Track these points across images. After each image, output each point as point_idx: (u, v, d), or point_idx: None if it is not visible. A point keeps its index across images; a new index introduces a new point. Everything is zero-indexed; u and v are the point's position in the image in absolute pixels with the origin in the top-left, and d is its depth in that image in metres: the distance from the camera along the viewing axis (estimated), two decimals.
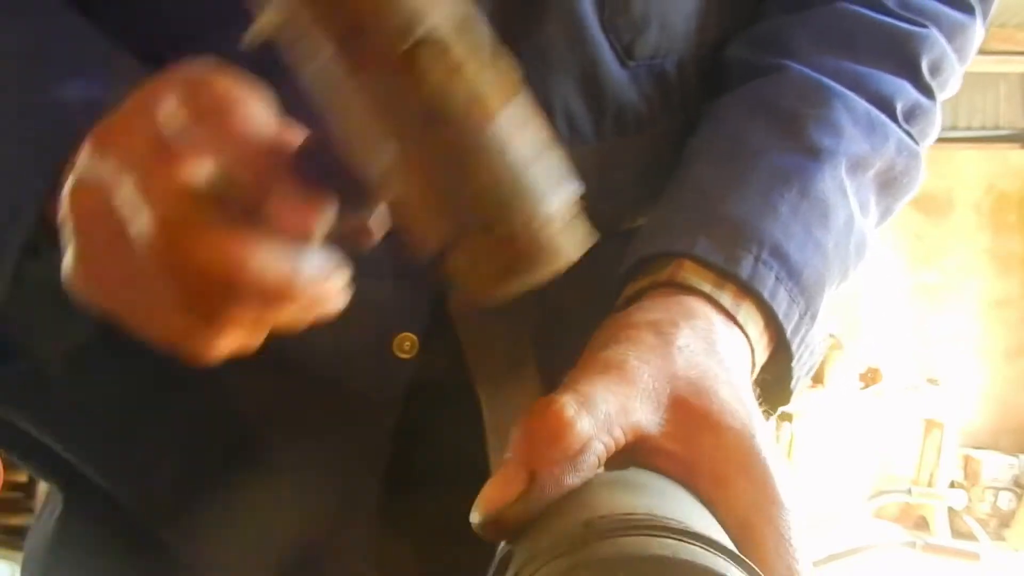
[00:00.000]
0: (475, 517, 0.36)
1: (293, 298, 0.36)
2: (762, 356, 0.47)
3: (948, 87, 0.59)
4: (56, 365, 0.51)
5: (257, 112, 0.36)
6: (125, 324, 0.39)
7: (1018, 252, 5.13)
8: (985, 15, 0.61)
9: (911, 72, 0.56)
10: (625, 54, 0.53)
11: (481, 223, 0.29)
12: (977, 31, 0.60)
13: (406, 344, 0.51)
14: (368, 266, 0.51)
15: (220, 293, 0.35)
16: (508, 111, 0.30)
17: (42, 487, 3.62)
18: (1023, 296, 5.15)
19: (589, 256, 0.56)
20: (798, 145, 0.51)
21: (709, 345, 0.42)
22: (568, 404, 0.37)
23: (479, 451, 0.47)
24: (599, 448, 0.37)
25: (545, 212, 0.30)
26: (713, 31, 0.59)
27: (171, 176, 0.35)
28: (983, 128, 5.08)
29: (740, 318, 0.45)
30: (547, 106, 0.51)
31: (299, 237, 0.35)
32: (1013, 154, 5.11)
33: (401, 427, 0.52)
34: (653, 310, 0.44)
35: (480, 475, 0.52)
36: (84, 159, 0.37)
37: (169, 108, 0.36)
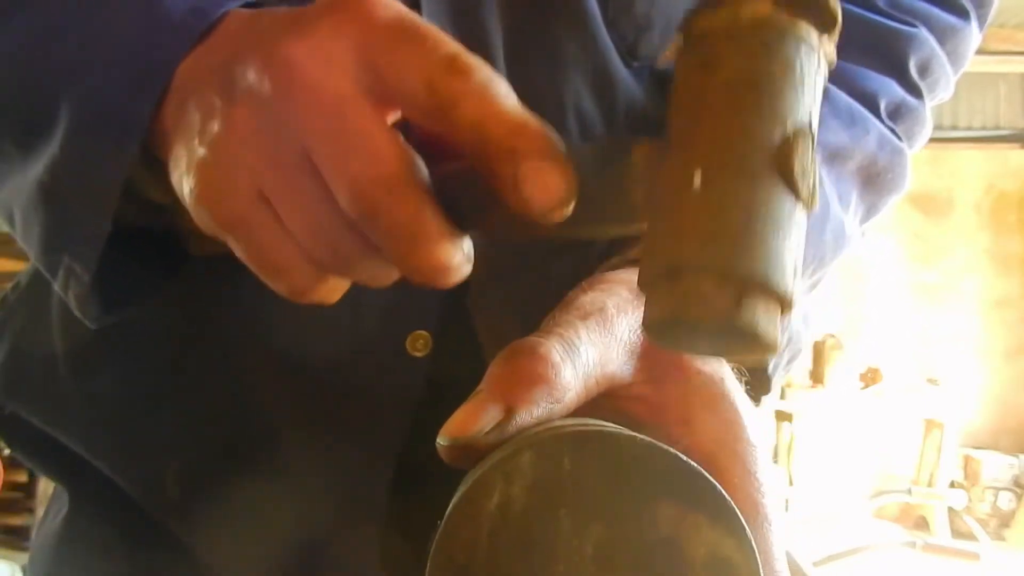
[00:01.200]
0: (443, 440, 0.35)
1: (448, 278, 0.35)
2: None
3: (939, 89, 0.59)
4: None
5: (497, 84, 0.32)
6: (236, 249, 0.35)
7: (1018, 252, 5.13)
8: (982, 20, 0.61)
9: (898, 70, 0.56)
10: (629, 54, 0.54)
11: (724, 268, 0.29)
12: (972, 35, 0.60)
13: (419, 342, 0.51)
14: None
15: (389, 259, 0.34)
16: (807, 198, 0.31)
17: (42, 487, 3.62)
18: (1023, 296, 5.15)
19: (596, 253, 0.56)
20: None
21: None
22: (555, 349, 0.37)
23: None
24: (573, 397, 0.37)
25: (781, 289, 0.30)
26: None
27: (380, 125, 0.32)
28: (983, 128, 5.08)
29: None
30: (559, 105, 0.52)
31: (543, 215, 0.32)
32: (1013, 154, 5.11)
33: (413, 426, 0.52)
34: (627, 273, 0.44)
35: None
36: (242, 79, 0.33)
37: (387, 37, 0.32)
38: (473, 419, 0.35)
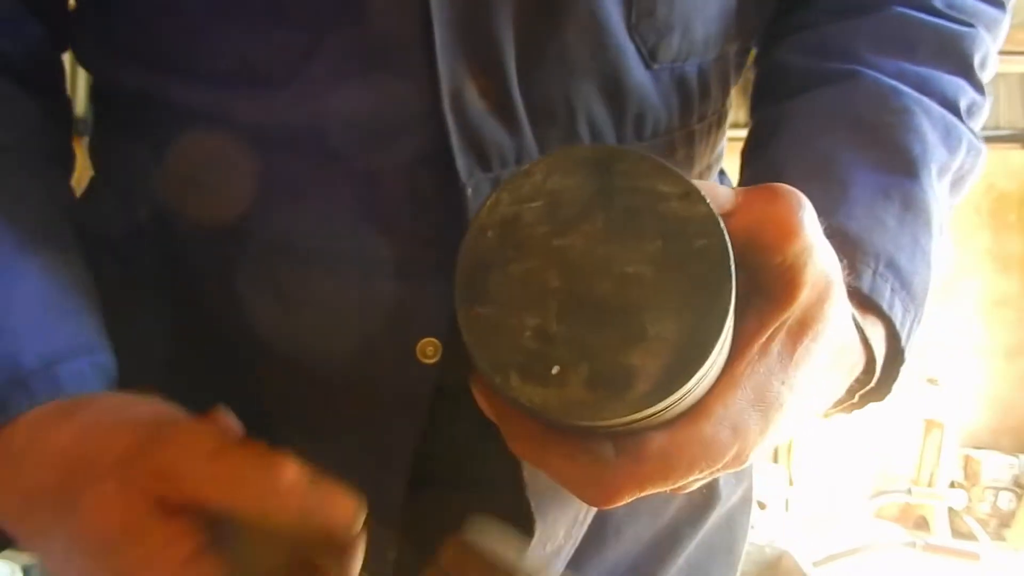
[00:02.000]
0: None
1: None
2: (879, 365, 0.50)
3: (990, 79, 0.62)
4: None
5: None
6: None
7: (1018, 252, 5.12)
8: (1008, 6, 0.63)
9: (966, 71, 0.58)
10: (650, 57, 0.54)
11: None
12: (1006, 22, 0.62)
13: (429, 349, 0.52)
14: (391, 271, 0.52)
15: None
16: None
17: None
18: (1023, 296, 5.15)
19: None
20: (889, 154, 0.52)
21: (838, 337, 0.44)
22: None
23: (501, 456, 0.47)
24: None
25: None
26: (733, 39, 0.59)
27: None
28: (983, 128, 5.05)
29: (868, 331, 0.47)
30: (570, 112, 0.53)
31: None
32: (1013, 154, 5.10)
33: (424, 432, 0.52)
34: None
35: (502, 480, 0.52)
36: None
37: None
38: None
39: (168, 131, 0.52)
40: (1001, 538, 4.54)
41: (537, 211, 0.37)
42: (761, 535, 3.22)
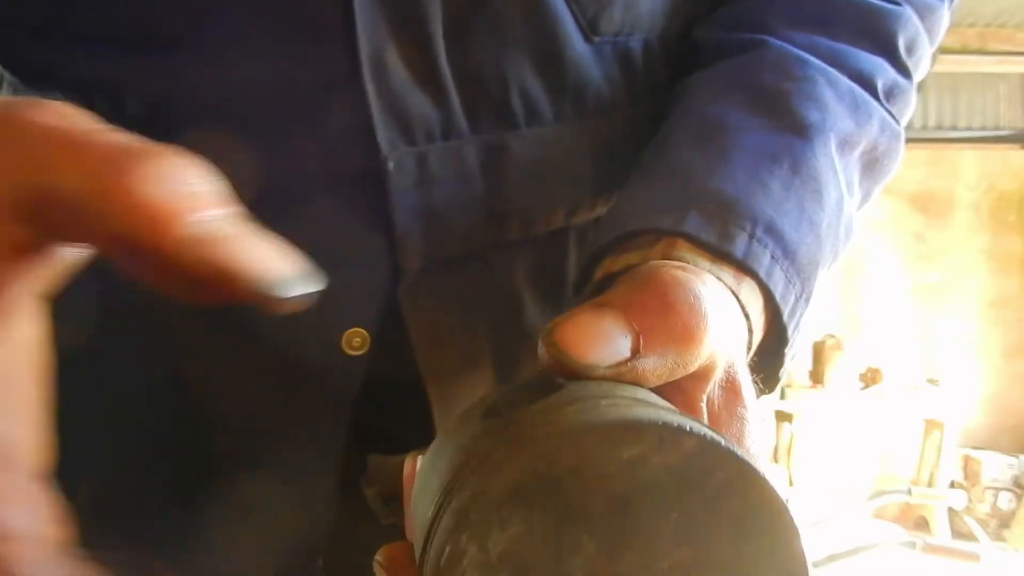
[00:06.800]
0: (555, 350, 0.31)
1: None
2: (758, 337, 0.43)
3: (921, 68, 0.57)
4: None
5: None
6: None
7: (1018, 252, 5.12)
8: (951, 2, 0.60)
9: (888, 50, 0.54)
10: (589, 28, 0.51)
11: None
12: (945, 16, 0.59)
13: (356, 340, 0.49)
14: (317, 259, 0.50)
15: None
16: None
17: None
18: (1022, 296, 5.15)
19: (545, 248, 0.54)
20: (784, 121, 0.48)
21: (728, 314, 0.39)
22: (712, 313, 0.33)
23: None
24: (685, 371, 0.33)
25: None
26: (681, 16, 0.57)
27: None
28: (983, 128, 5.07)
29: (743, 297, 0.41)
30: (502, 85, 0.49)
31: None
32: (1013, 154, 5.10)
33: (358, 425, 0.50)
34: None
35: None
36: None
37: None
38: (598, 345, 0.31)
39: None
40: (1001, 538, 4.54)
41: None
42: None
